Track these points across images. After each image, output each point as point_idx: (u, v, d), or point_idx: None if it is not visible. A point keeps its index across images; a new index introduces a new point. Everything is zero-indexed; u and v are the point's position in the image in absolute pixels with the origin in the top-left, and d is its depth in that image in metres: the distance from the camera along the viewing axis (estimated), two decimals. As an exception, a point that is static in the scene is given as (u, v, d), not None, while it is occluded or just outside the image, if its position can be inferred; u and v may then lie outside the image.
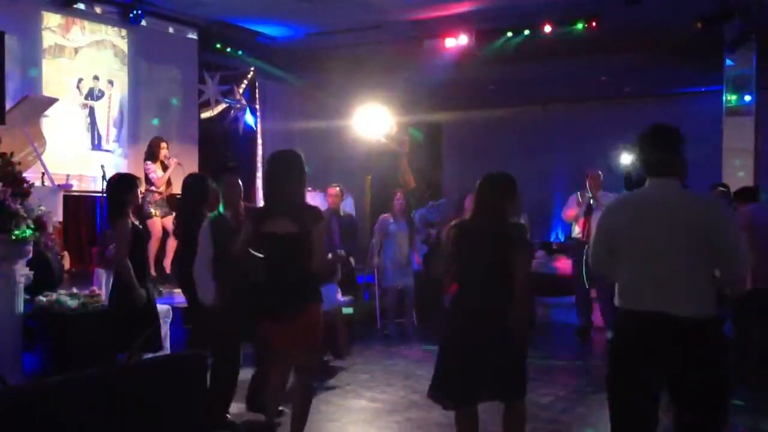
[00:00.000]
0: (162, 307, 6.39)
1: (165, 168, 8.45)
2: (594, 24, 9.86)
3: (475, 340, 3.78)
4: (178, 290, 6.33)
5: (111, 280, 5.48)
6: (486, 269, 3.85)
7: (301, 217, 4.17)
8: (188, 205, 5.73)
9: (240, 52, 11.49)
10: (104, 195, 8.09)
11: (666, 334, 3.02)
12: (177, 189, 7.95)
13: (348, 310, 6.94)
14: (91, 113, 9.57)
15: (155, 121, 10.31)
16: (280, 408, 4.84)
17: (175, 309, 6.70)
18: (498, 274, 3.81)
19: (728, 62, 9.71)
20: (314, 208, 4.35)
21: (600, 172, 8.42)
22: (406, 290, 8.67)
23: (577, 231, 8.35)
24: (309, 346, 4.28)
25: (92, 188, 9.28)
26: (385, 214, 8.72)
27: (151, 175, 8.28)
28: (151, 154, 8.43)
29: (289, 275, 4.17)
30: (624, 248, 3.19)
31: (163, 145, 8.52)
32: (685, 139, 3.27)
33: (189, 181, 6.07)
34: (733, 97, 9.71)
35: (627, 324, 3.17)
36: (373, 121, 11.51)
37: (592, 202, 8.08)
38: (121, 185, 5.25)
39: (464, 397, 3.90)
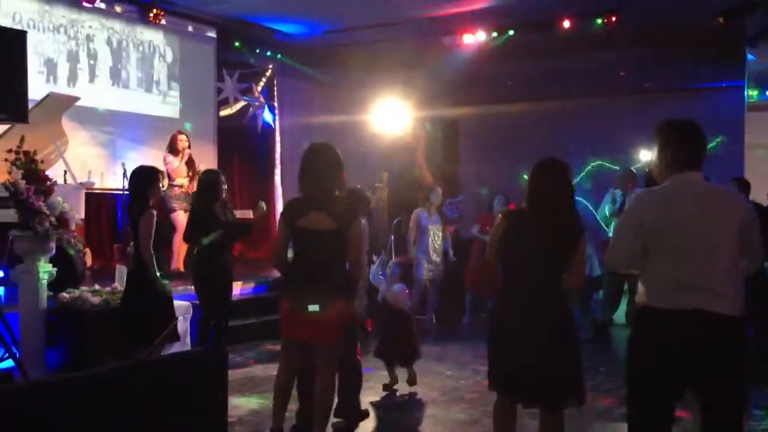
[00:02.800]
0: (182, 303, 6.45)
1: (188, 163, 8.52)
2: (613, 19, 9.79)
3: (527, 339, 3.57)
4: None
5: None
6: (547, 261, 3.65)
7: (339, 213, 4.12)
8: (200, 200, 5.79)
9: (258, 50, 11.53)
10: (125, 192, 8.20)
11: (702, 332, 2.97)
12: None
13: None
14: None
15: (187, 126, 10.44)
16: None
17: (195, 305, 6.74)
18: (558, 267, 3.66)
19: (750, 57, 9.60)
20: (351, 206, 4.32)
21: (634, 171, 8.38)
22: (434, 282, 8.63)
23: (612, 230, 8.30)
24: (331, 342, 4.28)
25: (113, 185, 9.37)
26: (420, 208, 8.67)
27: (168, 167, 8.34)
28: (171, 147, 8.52)
29: (324, 271, 4.12)
30: (657, 245, 3.09)
31: (182, 137, 8.57)
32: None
33: (202, 178, 6.13)
34: (755, 93, 9.61)
35: (660, 323, 3.08)
36: (390, 117, 11.51)
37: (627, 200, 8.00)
38: (144, 177, 5.29)
39: (509, 390, 3.75)
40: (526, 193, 3.74)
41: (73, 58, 9.23)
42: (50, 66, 8.99)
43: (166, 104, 10.38)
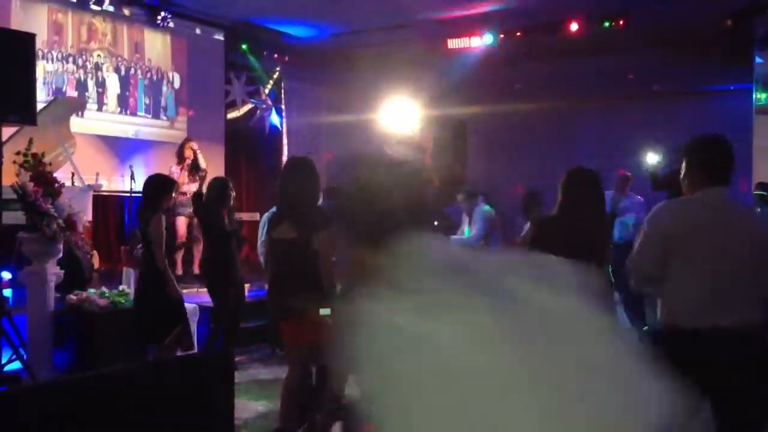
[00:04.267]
0: (189, 306, 6.46)
1: (194, 167, 8.54)
2: (622, 22, 9.76)
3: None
4: (203, 290, 6.40)
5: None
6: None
7: (303, 222, 4.20)
8: (208, 207, 5.82)
9: (266, 53, 11.56)
10: (133, 194, 8.22)
11: (728, 349, 2.94)
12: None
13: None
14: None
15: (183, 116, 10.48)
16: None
17: (201, 308, 6.75)
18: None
19: (758, 60, 9.56)
20: (322, 214, 4.32)
21: (629, 174, 8.29)
22: None
23: None
24: (318, 347, 4.26)
25: (121, 188, 9.40)
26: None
27: (173, 177, 8.37)
28: (179, 155, 8.57)
29: (296, 279, 4.22)
30: (685, 259, 3.03)
31: (190, 145, 8.59)
32: None
33: (211, 184, 6.17)
34: (763, 95, 9.57)
35: (684, 341, 3.00)
36: (397, 120, 11.50)
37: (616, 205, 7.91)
38: (159, 186, 5.33)
39: None
40: (559, 201, 3.73)
41: (81, 87, 9.24)
42: (59, 96, 8.92)
43: (173, 129, 10.40)
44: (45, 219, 5.48)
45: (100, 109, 9.54)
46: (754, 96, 9.66)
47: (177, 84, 10.50)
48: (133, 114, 9.95)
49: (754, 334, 2.98)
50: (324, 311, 4.08)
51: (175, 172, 8.44)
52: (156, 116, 10.27)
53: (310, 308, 4.14)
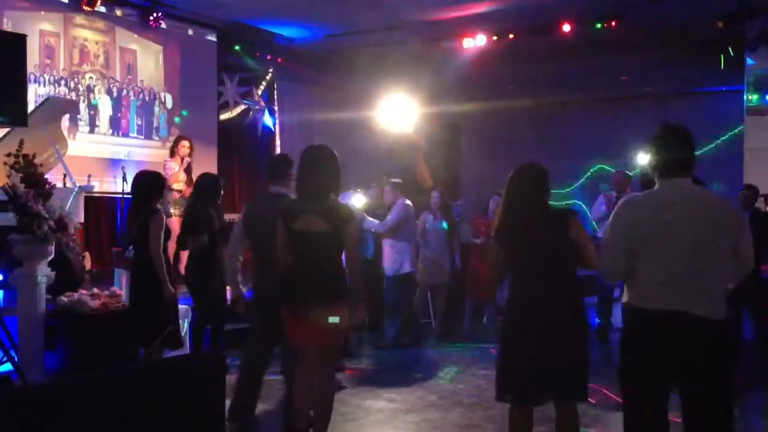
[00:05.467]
0: (181, 307, 6.44)
1: (186, 170, 8.50)
2: (614, 23, 9.80)
3: (542, 335, 3.63)
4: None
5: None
6: (549, 259, 3.71)
7: (334, 214, 4.11)
8: (197, 204, 5.78)
9: (259, 54, 11.55)
10: (125, 195, 8.19)
11: (687, 334, 3.02)
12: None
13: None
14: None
15: (177, 120, 10.42)
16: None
17: (193, 309, 6.72)
18: (561, 259, 3.72)
19: (749, 61, 9.61)
20: (346, 207, 4.31)
21: (627, 173, 8.33)
22: (440, 289, 8.56)
23: (601, 232, 8.28)
24: (329, 346, 4.26)
25: (113, 189, 9.37)
26: (425, 212, 8.62)
27: (168, 172, 8.32)
28: (173, 152, 8.53)
29: (321, 273, 4.10)
30: (645, 248, 3.14)
31: (184, 143, 8.55)
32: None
33: (201, 181, 6.12)
34: (755, 97, 9.61)
35: (645, 323, 3.13)
36: (390, 122, 11.51)
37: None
38: (150, 184, 5.32)
39: (524, 397, 3.76)
40: (501, 206, 3.85)
41: (73, 110, 9.12)
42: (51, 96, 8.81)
43: (166, 149, 10.25)
44: (36, 220, 5.45)
45: (92, 131, 9.49)
46: (745, 97, 9.70)
47: (169, 104, 10.48)
48: (125, 135, 9.92)
49: (714, 320, 3.03)
50: (333, 319, 4.04)
51: (172, 167, 8.35)
52: (148, 137, 10.24)
53: (334, 304, 4.08)
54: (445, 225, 8.39)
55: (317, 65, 12.20)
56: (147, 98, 10.20)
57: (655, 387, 3.12)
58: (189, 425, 3.33)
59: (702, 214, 3.10)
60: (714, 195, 3.31)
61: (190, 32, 10.74)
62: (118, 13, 9.82)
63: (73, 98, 9.19)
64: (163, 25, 10.05)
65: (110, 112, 9.71)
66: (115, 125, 9.78)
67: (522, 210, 3.78)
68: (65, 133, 8.41)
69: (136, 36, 10.02)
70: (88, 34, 9.48)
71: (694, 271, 3.05)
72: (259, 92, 11.76)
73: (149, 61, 10.23)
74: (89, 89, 9.48)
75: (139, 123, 10.07)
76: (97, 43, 9.57)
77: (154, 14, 9.73)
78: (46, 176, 5.91)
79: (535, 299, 3.70)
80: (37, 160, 5.71)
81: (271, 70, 11.86)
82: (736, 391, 3.17)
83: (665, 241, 3.09)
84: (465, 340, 8.16)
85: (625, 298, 3.28)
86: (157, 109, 10.26)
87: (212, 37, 10.99)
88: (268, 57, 11.74)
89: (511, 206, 3.82)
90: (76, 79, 9.31)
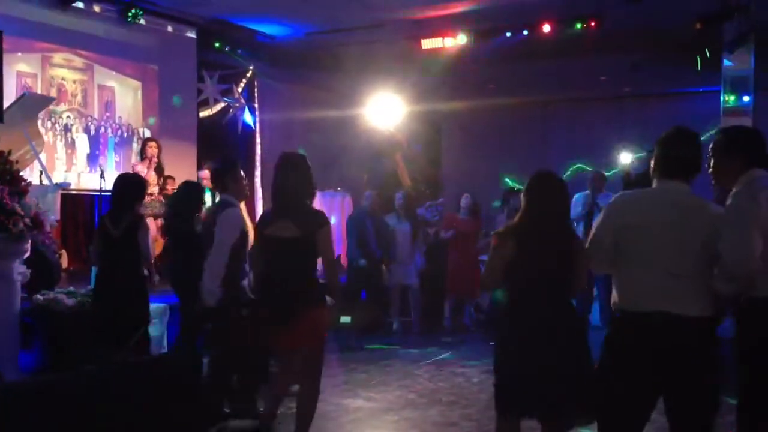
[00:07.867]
0: (158, 306, 6.40)
1: (158, 169, 8.47)
2: (593, 24, 9.86)
3: (544, 352, 3.47)
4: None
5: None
6: (557, 278, 3.59)
7: (304, 220, 4.14)
8: (179, 211, 5.76)
9: (239, 51, 11.49)
10: (102, 193, 8.11)
11: (671, 335, 3.01)
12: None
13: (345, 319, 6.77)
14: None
15: (151, 121, 10.32)
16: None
17: (173, 308, 6.69)
18: (566, 280, 3.61)
19: (726, 62, 9.70)
20: (319, 212, 4.31)
21: (604, 173, 8.38)
22: (411, 290, 8.64)
23: (579, 231, 8.30)
24: (312, 349, 4.25)
25: (90, 187, 9.27)
26: (389, 214, 8.69)
27: (138, 173, 8.28)
28: (142, 155, 8.53)
29: (290, 280, 4.13)
30: (631, 247, 3.15)
31: (152, 144, 8.55)
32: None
33: (183, 188, 6.09)
34: (732, 98, 9.70)
35: (629, 323, 3.13)
36: (371, 120, 11.53)
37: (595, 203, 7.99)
38: (132, 188, 5.36)
39: (516, 409, 3.61)
40: (523, 208, 3.69)
41: (49, 149, 8.89)
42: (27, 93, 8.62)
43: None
44: (11, 218, 5.39)
45: (68, 169, 9.32)
46: (722, 98, 9.80)
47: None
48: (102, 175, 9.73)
49: (702, 323, 3.03)
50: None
51: (141, 170, 8.33)
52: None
53: (309, 310, 4.10)
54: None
55: (298, 63, 12.16)
56: (125, 134, 10.06)
57: (638, 389, 3.09)
58: (164, 424, 3.31)
59: (688, 217, 3.10)
60: (702, 200, 3.28)
61: (170, 29, 10.64)
62: (96, 8, 9.69)
63: (50, 138, 8.98)
64: (142, 22, 9.94)
65: (88, 150, 9.56)
66: (93, 162, 9.57)
67: (544, 215, 3.66)
68: (42, 130, 8.30)
69: (114, 73, 9.90)
70: (65, 73, 9.34)
71: (680, 272, 3.05)
72: (240, 90, 11.71)
73: (127, 97, 10.09)
74: (66, 128, 9.32)
75: (117, 160, 9.90)
76: (74, 81, 9.43)
77: (133, 10, 9.63)
78: (21, 173, 5.85)
79: (537, 308, 3.57)
80: (12, 157, 5.65)
81: (251, 67, 11.80)
82: (722, 394, 3.15)
83: (649, 241, 3.10)
84: (444, 338, 8.19)
85: (612, 299, 3.27)
86: (135, 145, 9.99)
87: (192, 34, 10.91)
88: (249, 55, 11.69)
89: (532, 210, 3.67)
90: (53, 119, 9.14)
